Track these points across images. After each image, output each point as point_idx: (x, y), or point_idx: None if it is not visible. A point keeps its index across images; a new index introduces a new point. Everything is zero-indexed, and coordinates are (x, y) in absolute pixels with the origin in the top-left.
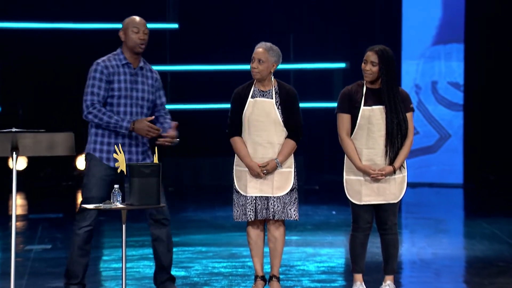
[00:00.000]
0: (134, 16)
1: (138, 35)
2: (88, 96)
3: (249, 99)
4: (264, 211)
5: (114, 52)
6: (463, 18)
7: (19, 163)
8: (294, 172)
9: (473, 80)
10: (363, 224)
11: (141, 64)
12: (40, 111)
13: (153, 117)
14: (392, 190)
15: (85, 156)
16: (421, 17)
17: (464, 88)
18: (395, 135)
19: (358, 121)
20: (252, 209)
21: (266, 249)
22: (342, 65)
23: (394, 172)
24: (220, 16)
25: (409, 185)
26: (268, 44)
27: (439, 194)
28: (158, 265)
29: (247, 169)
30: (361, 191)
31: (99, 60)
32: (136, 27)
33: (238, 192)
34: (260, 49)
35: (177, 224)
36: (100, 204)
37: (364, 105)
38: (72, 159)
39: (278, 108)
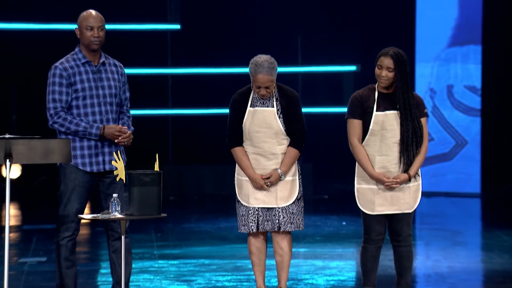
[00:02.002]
0: (90, 12)
1: (92, 33)
2: (51, 104)
3: (248, 108)
4: (266, 223)
5: (72, 52)
6: (481, 18)
7: (12, 171)
8: (299, 180)
9: (491, 83)
10: (375, 236)
11: (102, 59)
12: (35, 117)
13: (126, 127)
14: (407, 199)
15: (58, 166)
16: (436, 17)
17: (482, 92)
18: (410, 142)
19: (370, 127)
20: (254, 220)
21: (272, 262)
22: (353, 68)
23: (409, 180)
24: (225, 16)
25: (424, 194)
26: (266, 64)
27: (455, 204)
28: (116, 280)
29: (248, 179)
30: (374, 200)
31: (57, 63)
32: (89, 25)
33: (239, 201)
34: (263, 76)
35: (179, 235)
36: (98, 214)
37: (377, 110)
38: None
39: (279, 117)
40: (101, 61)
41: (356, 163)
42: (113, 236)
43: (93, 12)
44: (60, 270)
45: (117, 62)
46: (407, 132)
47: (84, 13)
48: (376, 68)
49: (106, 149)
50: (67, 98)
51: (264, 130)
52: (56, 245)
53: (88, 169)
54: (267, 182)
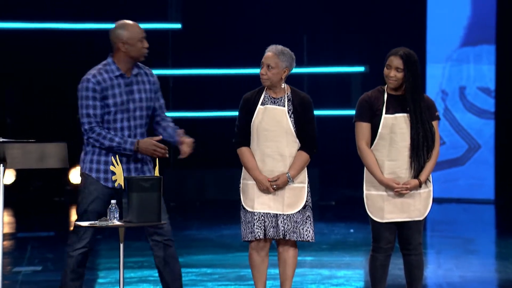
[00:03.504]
0: (134, 23)
1: (143, 44)
2: (85, 119)
3: (259, 106)
4: (272, 230)
5: (104, 62)
6: (495, 16)
7: (6, 176)
8: (308, 187)
9: (505, 85)
10: (384, 244)
11: (136, 71)
12: (30, 120)
13: (160, 137)
14: (417, 206)
15: (81, 175)
16: (448, 16)
17: (496, 94)
18: (421, 146)
19: (379, 131)
20: (260, 227)
21: (276, 271)
22: (361, 68)
23: (420, 186)
24: (227, 15)
25: (435, 200)
26: (279, 47)
27: (468, 211)
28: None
29: (254, 182)
30: (383, 207)
31: (89, 76)
32: (143, 37)
33: (244, 208)
34: (269, 53)
35: (180, 243)
36: (96, 221)
37: (386, 113)
38: (65, 172)
39: (290, 116)
40: (134, 72)
41: (365, 168)
42: (157, 246)
43: (134, 22)
44: (65, 281)
45: (147, 70)
46: (417, 136)
47: (128, 25)
48: (385, 68)
49: (132, 166)
50: (101, 112)
51: (273, 129)
52: (66, 255)
53: (110, 185)
54: (273, 185)
